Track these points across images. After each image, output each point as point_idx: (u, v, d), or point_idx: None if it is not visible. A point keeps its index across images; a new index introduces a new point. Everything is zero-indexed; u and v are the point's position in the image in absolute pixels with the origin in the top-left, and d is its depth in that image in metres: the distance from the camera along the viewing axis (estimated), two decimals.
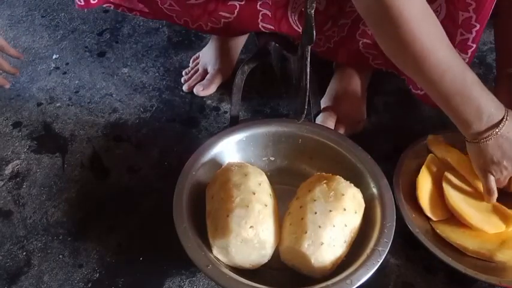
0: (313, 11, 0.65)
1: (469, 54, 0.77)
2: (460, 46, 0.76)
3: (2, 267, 0.73)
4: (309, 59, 0.71)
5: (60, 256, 0.75)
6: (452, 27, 0.74)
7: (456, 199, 0.76)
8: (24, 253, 0.75)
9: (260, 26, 0.84)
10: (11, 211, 0.80)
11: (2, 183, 0.84)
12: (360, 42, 0.85)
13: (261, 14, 0.83)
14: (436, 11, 0.73)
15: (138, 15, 0.92)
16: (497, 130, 0.68)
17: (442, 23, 0.71)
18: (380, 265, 0.64)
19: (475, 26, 0.73)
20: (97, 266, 0.73)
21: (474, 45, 0.76)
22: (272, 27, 0.84)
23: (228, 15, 0.83)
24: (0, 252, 0.75)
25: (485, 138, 0.69)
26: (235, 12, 0.83)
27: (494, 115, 0.68)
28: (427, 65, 0.65)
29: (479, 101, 0.67)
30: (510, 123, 0.69)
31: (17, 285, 0.71)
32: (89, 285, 0.72)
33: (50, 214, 0.80)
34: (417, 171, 0.81)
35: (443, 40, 0.66)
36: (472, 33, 0.74)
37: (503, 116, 0.68)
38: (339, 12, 0.83)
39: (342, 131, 0.88)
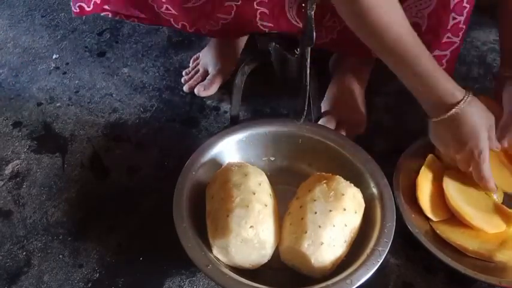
0: (313, 12, 0.65)
1: (460, 36, 0.79)
2: (453, 30, 0.78)
3: (2, 267, 0.73)
4: (309, 60, 0.71)
5: (60, 256, 0.75)
6: (444, 13, 0.75)
7: (456, 199, 0.76)
8: (24, 253, 0.75)
9: (259, 25, 0.84)
10: (11, 211, 0.80)
11: (2, 183, 0.84)
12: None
13: (258, 12, 0.82)
14: (428, 1, 0.75)
15: (136, 21, 0.92)
16: (462, 103, 0.70)
17: (434, 11, 0.74)
18: (380, 265, 0.64)
19: (466, 7, 0.75)
20: (97, 266, 0.73)
21: (464, 27, 0.78)
22: (271, 25, 0.84)
23: (225, 16, 0.83)
24: (0, 252, 0.75)
25: (452, 112, 0.70)
26: (233, 13, 0.82)
27: (457, 91, 0.70)
28: (402, 49, 0.67)
29: (445, 79, 0.70)
30: (471, 103, 0.71)
31: (17, 285, 0.71)
32: (89, 285, 0.72)
33: (50, 214, 0.80)
34: (417, 171, 0.81)
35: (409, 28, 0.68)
36: (463, 15, 0.76)
37: (465, 94, 0.70)
38: None
39: (343, 134, 0.88)
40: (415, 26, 0.77)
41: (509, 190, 0.80)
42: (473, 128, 0.71)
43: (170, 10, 0.83)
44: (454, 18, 0.76)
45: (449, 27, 0.77)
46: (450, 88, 0.70)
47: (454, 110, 0.70)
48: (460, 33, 0.79)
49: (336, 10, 0.82)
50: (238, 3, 0.81)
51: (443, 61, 0.81)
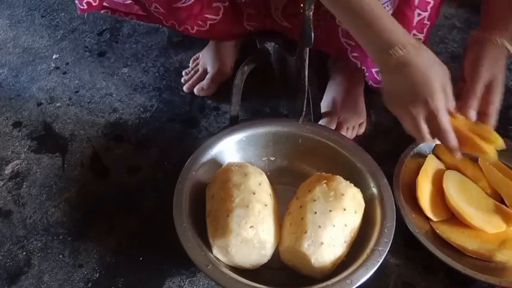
0: (311, 12, 0.65)
1: (425, 32, 0.78)
2: (417, 26, 0.76)
3: (2, 267, 0.73)
4: (307, 61, 0.71)
5: (60, 256, 0.75)
6: (408, 10, 0.74)
7: (457, 199, 0.76)
8: (24, 253, 0.75)
9: (245, 25, 0.86)
10: (11, 211, 0.80)
11: (2, 183, 0.84)
12: (339, 28, 0.83)
13: (245, 13, 0.84)
14: (390, 4, 0.73)
15: (134, 18, 0.92)
16: (410, 47, 0.64)
17: (398, 8, 0.73)
18: (380, 265, 0.64)
19: (430, 3, 0.74)
20: (97, 266, 0.73)
21: (429, 23, 0.76)
22: (256, 24, 0.86)
23: (213, 17, 0.85)
24: (0, 252, 0.75)
25: (400, 56, 0.64)
26: (220, 14, 0.85)
27: (407, 36, 0.65)
28: None
29: (393, 24, 0.65)
30: (423, 51, 0.65)
31: (17, 285, 0.71)
32: (89, 285, 0.72)
33: (50, 214, 0.80)
34: (417, 171, 0.81)
35: None
36: (427, 11, 0.75)
37: (413, 43, 0.65)
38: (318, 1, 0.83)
39: (344, 134, 0.88)
40: None
41: None
42: (426, 76, 0.65)
43: (159, 9, 0.83)
44: (419, 15, 0.75)
45: (414, 24, 0.76)
46: (399, 32, 0.65)
47: (402, 52, 0.64)
48: (425, 29, 0.77)
49: (319, 9, 0.82)
50: (226, 4, 0.82)
51: None
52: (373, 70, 0.83)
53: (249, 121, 0.88)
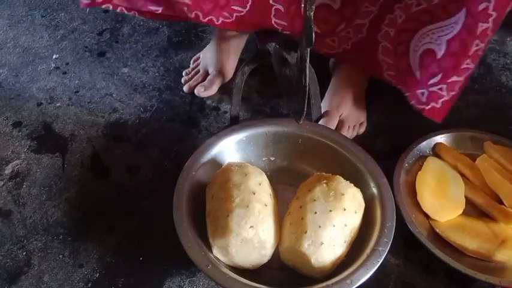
0: (312, 13, 0.64)
1: (476, 62, 0.77)
2: (473, 56, 0.75)
3: (2, 267, 0.73)
4: (308, 61, 0.71)
5: (60, 256, 0.75)
6: (469, 38, 0.73)
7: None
8: (24, 253, 0.75)
9: (273, 22, 0.83)
10: (11, 211, 0.80)
11: (2, 183, 0.84)
12: (380, 45, 0.83)
13: (273, 9, 0.82)
14: (454, 23, 0.73)
15: (136, 14, 0.91)
16: None
17: (457, 37, 0.72)
18: (380, 265, 0.64)
19: (488, 35, 0.73)
20: (97, 266, 0.73)
21: (481, 54, 0.75)
22: (285, 23, 0.83)
23: (240, 9, 0.82)
24: (0, 252, 0.75)
25: None
26: (248, 7, 0.82)
27: None
28: None
29: None
30: None
31: (17, 285, 0.71)
32: (89, 285, 0.72)
33: (50, 214, 0.80)
34: (417, 171, 0.81)
35: None
36: (484, 43, 0.74)
37: None
38: (354, 13, 0.81)
39: (344, 134, 0.88)
40: (428, 52, 0.76)
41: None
42: None
43: (185, 0, 0.81)
44: (476, 45, 0.73)
45: (470, 53, 0.74)
46: None
47: None
48: (477, 60, 0.76)
49: (351, 20, 0.81)
50: None
51: (457, 87, 0.78)
52: (418, 91, 0.81)
53: (249, 121, 0.88)
